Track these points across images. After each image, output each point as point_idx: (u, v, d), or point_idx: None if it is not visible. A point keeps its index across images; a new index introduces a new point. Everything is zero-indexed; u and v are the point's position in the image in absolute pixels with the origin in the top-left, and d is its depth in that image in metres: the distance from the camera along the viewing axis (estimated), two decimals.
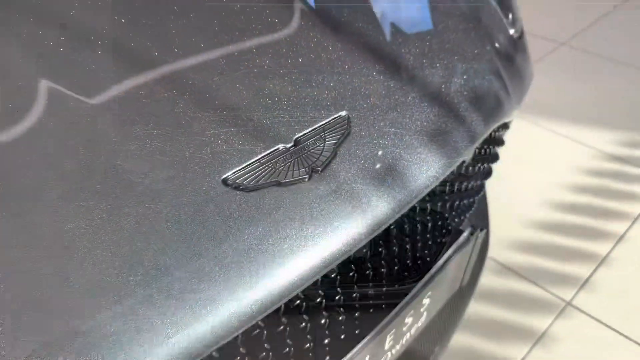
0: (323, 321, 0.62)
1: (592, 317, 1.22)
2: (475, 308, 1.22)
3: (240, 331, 0.46)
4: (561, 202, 1.51)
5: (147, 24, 0.57)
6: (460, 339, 1.16)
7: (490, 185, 1.42)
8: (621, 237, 1.41)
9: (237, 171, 0.50)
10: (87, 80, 0.51)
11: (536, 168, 1.63)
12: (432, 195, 0.78)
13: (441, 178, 0.61)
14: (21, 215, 0.43)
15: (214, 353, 0.52)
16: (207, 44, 0.57)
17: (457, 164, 0.64)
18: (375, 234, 0.55)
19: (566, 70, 2.11)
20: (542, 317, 1.22)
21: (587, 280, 1.30)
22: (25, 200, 0.44)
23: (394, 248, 0.72)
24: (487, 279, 1.29)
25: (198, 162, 0.49)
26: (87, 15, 0.56)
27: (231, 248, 0.47)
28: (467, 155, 0.75)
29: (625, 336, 1.18)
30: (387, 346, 0.69)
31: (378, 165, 0.56)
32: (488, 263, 1.33)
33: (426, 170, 0.60)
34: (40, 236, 0.42)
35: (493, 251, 1.35)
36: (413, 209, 0.76)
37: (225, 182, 0.49)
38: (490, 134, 0.85)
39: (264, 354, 0.58)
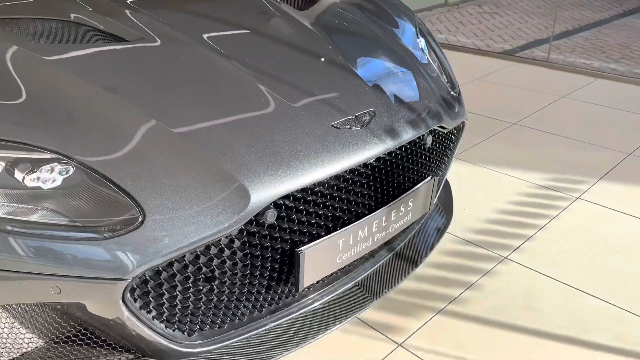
0: (362, 193, 1.44)
1: (521, 264, 2.00)
2: (440, 257, 2.01)
3: (317, 181, 1.29)
4: (504, 208, 2.34)
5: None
6: (428, 270, 1.94)
7: (459, 199, 2.29)
8: (542, 227, 2.22)
9: (336, 122, 1.36)
10: (288, 89, 1.39)
11: (490, 191, 2.47)
12: (417, 162, 1.63)
13: (413, 138, 1.47)
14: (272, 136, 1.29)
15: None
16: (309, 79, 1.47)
17: (421, 134, 1.50)
18: (383, 153, 1.39)
19: (516, 139, 3.01)
20: (487, 263, 2.00)
21: (518, 247, 2.09)
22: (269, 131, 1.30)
23: (400, 178, 1.56)
24: (451, 245, 2.09)
25: (323, 118, 1.36)
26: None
27: (332, 148, 1.32)
28: (427, 139, 1.61)
29: (541, 273, 1.96)
30: (392, 219, 1.51)
31: (387, 127, 1.43)
32: (452, 238, 2.13)
33: (406, 132, 1.46)
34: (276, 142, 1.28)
35: (456, 232, 2.16)
36: (410, 166, 1.60)
37: (332, 125, 1.35)
38: (443, 140, 1.72)
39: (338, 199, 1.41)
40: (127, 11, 1.66)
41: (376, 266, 1.66)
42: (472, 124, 3.17)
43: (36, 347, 1.33)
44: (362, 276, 1.62)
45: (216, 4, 1.85)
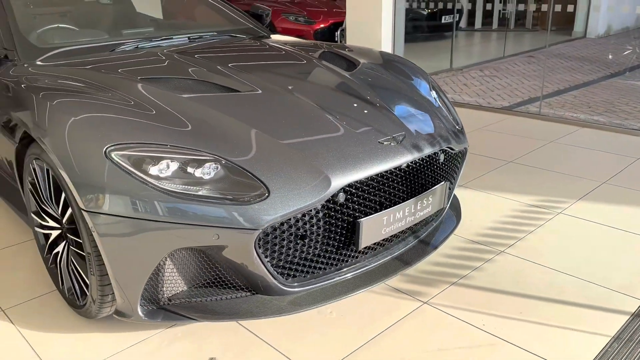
0: (398, 187, 2.14)
1: (513, 255, 2.66)
2: (452, 251, 2.68)
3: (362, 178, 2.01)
4: (501, 220, 3.02)
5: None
6: (443, 258, 2.61)
7: (467, 214, 2.99)
8: (531, 232, 2.89)
9: (381, 140, 2.09)
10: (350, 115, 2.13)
11: (490, 209, 3.15)
12: (434, 171, 2.33)
13: (431, 152, 2.20)
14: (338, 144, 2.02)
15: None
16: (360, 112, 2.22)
17: (435, 151, 2.23)
18: (411, 161, 2.11)
19: (511, 173, 3.72)
20: (488, 255, 2.66)
21: (511, 245, 2.76)
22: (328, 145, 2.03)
23: (423, 180, 2.26)
24: (460, 244, 2.76)
25: (373, 137, 2.09)
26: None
27: (378, 156, 2.04)
28: (440, 155, 2.34)
29: (528, 260, 2.61)
30: (418, 208, 2.20)
31: (414, 144, 2.15)
32: (461, 239, 2.81)
33: (426, 148, 2.19)
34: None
35: (465, 235, 2.83)
36: (429, 173, 2.30)
37: (379, 142, 2.08)
38: (452, 159, 2.43)
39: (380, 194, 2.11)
40: (229, 72, 2.44)
41: (406, 247, 2.34)
42: (476, 162, 3.90)
43: (182, 290, 2.01)
44: (397, 253, 2.30)
45: (290, 66, 2.63)
